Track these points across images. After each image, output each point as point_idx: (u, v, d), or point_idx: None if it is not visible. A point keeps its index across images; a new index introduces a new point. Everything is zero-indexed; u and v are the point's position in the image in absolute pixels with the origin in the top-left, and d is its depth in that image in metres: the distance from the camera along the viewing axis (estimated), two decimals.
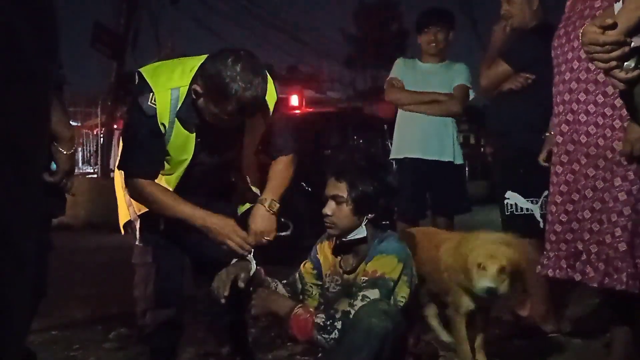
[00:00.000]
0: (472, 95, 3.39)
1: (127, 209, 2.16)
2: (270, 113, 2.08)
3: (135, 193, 2.04)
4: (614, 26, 1.27)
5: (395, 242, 2.02)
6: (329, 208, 2.02)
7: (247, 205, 2.26)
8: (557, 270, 2.18)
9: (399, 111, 3.41)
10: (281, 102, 2.20)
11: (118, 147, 2.21)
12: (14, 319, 0.59)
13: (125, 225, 2.19)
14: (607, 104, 2.03)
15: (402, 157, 3.31)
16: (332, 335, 1.85)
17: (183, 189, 2.07)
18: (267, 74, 1.94)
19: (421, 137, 3.29)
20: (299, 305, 1.96)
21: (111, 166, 11.48)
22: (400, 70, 3.42)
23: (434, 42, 3.32)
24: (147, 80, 1.97)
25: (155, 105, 1.94)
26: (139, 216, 2.11)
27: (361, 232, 2.03)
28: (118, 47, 10.98)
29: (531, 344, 2.58)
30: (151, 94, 1.94)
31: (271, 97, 2.05)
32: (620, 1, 1.35)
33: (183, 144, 2.01)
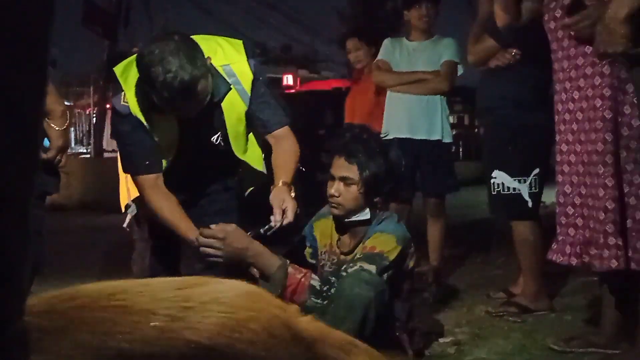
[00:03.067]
0: (460, 71, 3.37)
1: (126, 192, 2.19)
2: (248, 92, 2.01)
3: (141, 196, 2.04)
4: None
5: (394, 223, 2.02)
6: (336, 189, 2.00)
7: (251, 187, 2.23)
8: (568, 256, 2.14)
9: (388, 92, 3.40)
10: (265, 78, 2.10)
11: (111, 126, 2.22)
12: (20, 280, 0.61)
13: (126, 206, 2.23)
14: (614, 74, 2.00)
15: (391, 137, 3.31)
16: (325, 302, 1.81)
17: (180, 173, 2.06)
18: (201, 58, 1.82)
19: (409, 116, 3.29)
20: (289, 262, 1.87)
21: (104, 146, 11.43)
22: (387, 51, 3.40)
23: (426, 16, 3.30)
24: (119, 79, 1.96)
25: (127, 103, 1.94)
26: (133, 201, 2.14)
27: (365, 214, 2.02)
28: (110, 26, 10.85)
29: (522, 322, 2.61)
30: (123, 93, 1.94)
31: (245, 76, 2.00)
32: None
33: (165, 132, 1.99)
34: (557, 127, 2.19)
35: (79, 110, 14.45)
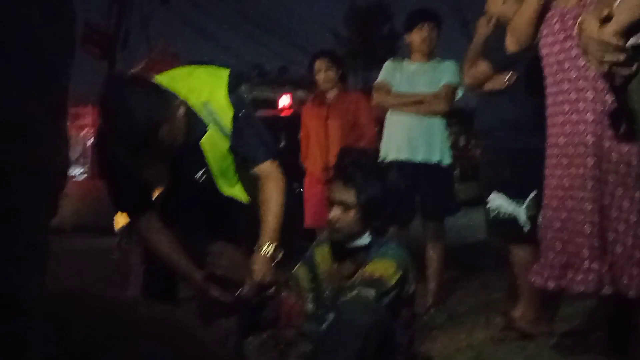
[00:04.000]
0: (460, 93, 3.38)
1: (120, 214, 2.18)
2: (229, 128, 1.92)
3: (138, 232, 2.02)
4: (610, 19, 1.25)
5: (394, 248, 1.99)
6: (335, 214, 1.98)
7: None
8: (545, 279, 2.12)
9: (387, 113, 3.41)
10: (248, 111, 1.98)
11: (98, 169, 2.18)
12: (34, 318, 0.58)
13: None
14: (598, 99, 1.99)
15: (391, 159, 3.31)
16: (323, 327, 1.80)
17: (171, 208, 2.02)
18: (162, 104, 1.76)
19: (408, 138, 3.29)
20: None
21: None
22: (388, 72, 3.42)
23: (428, 38, 3.32)
24: (100, 119, 1.91)
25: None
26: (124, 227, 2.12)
27: (365, 240, 2.00)
28: (108, 48, 10.92)
29: (523, 347, 2.58)
30: None
31: (224, 112, 1.91)
32: None
33: (153, 170, 1.94)
34: (546, 151, 2.20)
35: (76, 131, 14.45)
